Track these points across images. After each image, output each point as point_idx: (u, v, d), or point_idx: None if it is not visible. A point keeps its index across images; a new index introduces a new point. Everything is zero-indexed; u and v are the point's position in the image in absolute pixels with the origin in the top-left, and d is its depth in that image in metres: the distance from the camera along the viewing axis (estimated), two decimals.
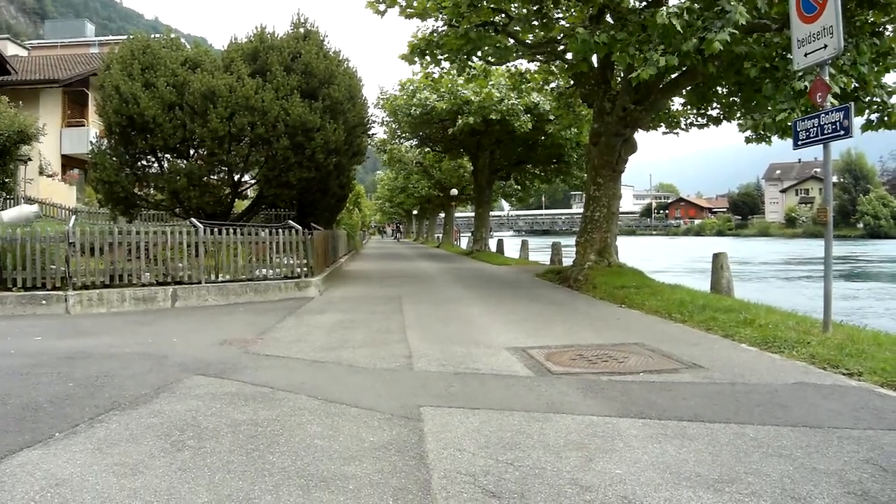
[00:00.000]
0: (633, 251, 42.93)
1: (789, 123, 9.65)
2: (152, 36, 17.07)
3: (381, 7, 15.47)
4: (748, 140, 16.77)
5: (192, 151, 16.58)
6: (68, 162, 32.66)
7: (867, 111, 12.78)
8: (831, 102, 8.16)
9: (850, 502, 3.45)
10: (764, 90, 11.91)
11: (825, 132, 7.82)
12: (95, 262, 12.10)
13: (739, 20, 9.88)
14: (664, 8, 10.93)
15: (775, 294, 22.00)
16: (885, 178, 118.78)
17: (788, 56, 10.07)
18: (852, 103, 8.01)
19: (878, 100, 12.59)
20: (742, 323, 8.80)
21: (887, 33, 12.07)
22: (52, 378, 6.28)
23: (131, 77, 15.20)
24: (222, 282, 12.90)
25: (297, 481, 3.74)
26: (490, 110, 28.04)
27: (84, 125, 31.96)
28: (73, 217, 15.77)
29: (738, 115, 17.14)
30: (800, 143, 8.40)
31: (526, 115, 28.49)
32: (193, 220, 13.64)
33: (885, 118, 12.64)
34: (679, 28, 10.21)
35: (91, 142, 18.12)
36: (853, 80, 11.24)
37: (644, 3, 13.58)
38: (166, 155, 16.72)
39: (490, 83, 26.69)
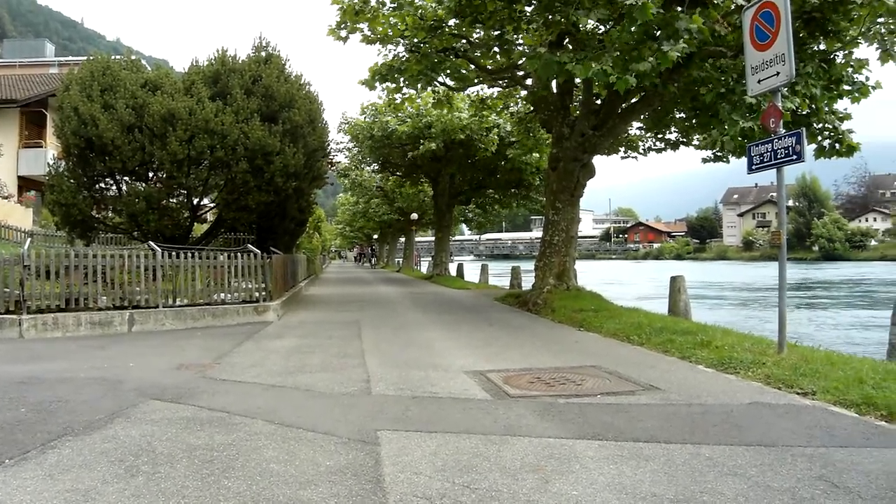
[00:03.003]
0: (593, 275, 43.20)
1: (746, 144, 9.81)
2: (113, 57, 16.87)
3: (343, 33, 15.54)
4: (705, 160, 17.12)
5: (150, 174, 16.37)
6: (25, 184, 32.19)
7: (819, 137, 13.11)
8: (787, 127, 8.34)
9: None
10: (721, 114, 12.11)
11: (778, 157, 7.94)
12: (51, 285, 11.88)
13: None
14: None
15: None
16: (839, 202, 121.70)
17: (743, 81, 10.25)
18: (804, 129, 8.15)
19: (830, 126, 12.93)
20: (699, 345, 8.88)
21: (838, 60, 12.41)
22: (2, 403, 6.12)
23: (90, 98, 15.00)
24: (180, 306, 12.73)
25: None
26: (455, 133, 28.09)
27: (42, 146, 31.59)
28: (29, 240, 15.47)
29: (695, 138, 17.49)
30: (754, 167, 8.51)
31: (492, 134, 28.64)
32: (151, 243, 13.48)
33: (837, 144, 12.97)
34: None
35: (48, 163, 17.81)
36: (806, 100, 11.50)
37: (602, 29, 13.79)
38: (125, 178, 16.46)
39: (450, 110, 26.87)
